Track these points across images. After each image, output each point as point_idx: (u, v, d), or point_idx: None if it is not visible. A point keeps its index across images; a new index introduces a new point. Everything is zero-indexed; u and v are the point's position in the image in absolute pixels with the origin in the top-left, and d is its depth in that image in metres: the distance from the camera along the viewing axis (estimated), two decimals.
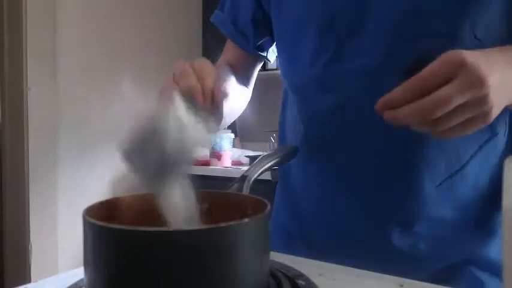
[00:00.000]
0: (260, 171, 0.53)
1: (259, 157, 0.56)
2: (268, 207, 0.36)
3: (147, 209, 0.43)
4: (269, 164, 0.55)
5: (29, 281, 0.61)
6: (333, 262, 0.51)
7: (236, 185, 0.49)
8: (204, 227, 0.31)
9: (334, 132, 0.60)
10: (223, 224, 0.32)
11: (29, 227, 1.75)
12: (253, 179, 0.51)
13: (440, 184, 0.56)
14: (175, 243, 0.31)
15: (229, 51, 0.77)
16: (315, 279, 0.42)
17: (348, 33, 0.57)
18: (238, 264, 0.33)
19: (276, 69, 2.38)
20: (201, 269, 0.31)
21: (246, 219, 0.33)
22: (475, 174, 0.57)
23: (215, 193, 0.44)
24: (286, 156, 0.59)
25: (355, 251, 0.58)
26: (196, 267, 0.31)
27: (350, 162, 0.59)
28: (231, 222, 0.32)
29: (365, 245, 0.60)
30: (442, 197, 0.56)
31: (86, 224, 0.34)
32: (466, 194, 0.57)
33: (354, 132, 0.58)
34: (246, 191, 0.48)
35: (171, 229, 0.31)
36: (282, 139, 0.74)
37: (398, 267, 0.48)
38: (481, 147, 0.56)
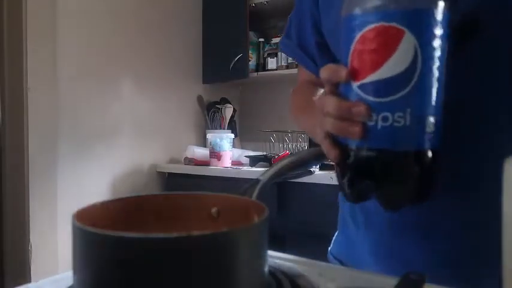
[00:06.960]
0: (271, 174, 0.53)
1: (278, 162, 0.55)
2: (266, 211, 0.37)
3: (141, 213, 0.43)
4: (281, 167, 0.54)
5: (29, 281, 0.61)
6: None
7: (246, 187, 0.49)
8: (204, 233, 0.31)
9: None
10: (225, 229, 0.32)
11: (29, 227, 1.75)
12: (263, 183, 0.51)
13: None
14: (174, 249, 0.30)
15: (303, 75, 0.79)
16: (315, 279, 0.42)
17: None
18: (238, 268, 0.33)
19: (276, 69, 2.38)
20: (200, 273, 0.31)
21: (246, 225, 0.34)
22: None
23: (222, 196, 0.45)
24: (305, 160, 0.57)
25: None
26: (194, 272, 0.31)
27: None
28: (231, 229, 0.33)
29: None
30: None
31: (75, 228, 0.33)
32: None
33: None
34: (254, 194, 0.48)
35: (171, 235, 0.30)
36: None
37: None
38: None
